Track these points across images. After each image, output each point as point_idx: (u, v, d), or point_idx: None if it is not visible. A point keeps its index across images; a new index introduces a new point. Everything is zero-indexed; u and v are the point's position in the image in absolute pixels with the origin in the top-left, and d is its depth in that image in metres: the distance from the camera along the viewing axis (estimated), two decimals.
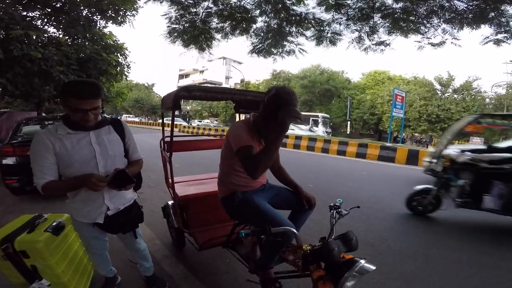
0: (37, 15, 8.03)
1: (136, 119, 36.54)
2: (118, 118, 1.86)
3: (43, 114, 8.88)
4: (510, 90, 24.38)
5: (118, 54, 9.92)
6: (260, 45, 6.01)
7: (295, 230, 1.43)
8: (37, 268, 1.67)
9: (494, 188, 3.84)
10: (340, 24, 5.30)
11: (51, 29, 8.41)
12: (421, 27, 4.89)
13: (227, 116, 38.36)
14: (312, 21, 5.28)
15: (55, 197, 3.49)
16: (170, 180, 2.50)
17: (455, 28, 4.60)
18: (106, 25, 9.12)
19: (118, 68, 9.85)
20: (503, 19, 4.35)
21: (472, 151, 4.22)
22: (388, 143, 14.47)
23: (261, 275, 1.77)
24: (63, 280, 1.76)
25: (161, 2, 4.69)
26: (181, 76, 55.68)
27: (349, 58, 77.60)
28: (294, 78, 34.37)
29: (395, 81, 30.22)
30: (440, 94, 26.02)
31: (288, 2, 4.94)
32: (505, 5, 4.21)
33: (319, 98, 31.49)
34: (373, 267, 1.22)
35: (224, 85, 46.68)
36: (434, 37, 4.93)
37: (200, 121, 34.88)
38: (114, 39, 10.01)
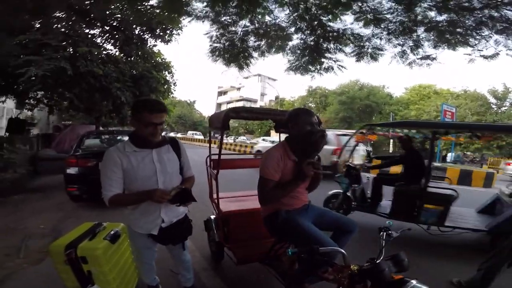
0: (97, 33, 9.01)
1: (201, 137, 32.13)
2: (176, 136, 2.02)
3: (101, 128, 9.84)
4: None
5: (166, 72, 10.68)
6: (297, 63, 5.99)
7: (343, 251, 1.42)
8: (92, 274, 1.79)
9: (384, 194, 4.39)
10: (381, 39, 5.11)
11: (109, 46, 9.36)
12: (470, 39, 4.51)
13: (262, 133, 38.82)
14: (351, 37, 5.17)
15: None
16: (214, 195, 2.61)
17: (509, 39, 4.18)
18: (155, 43, 9.97)
19: (166, 85, 10.59)
20: None
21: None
22: (437, 162, 13.45)
23: None
24: (112, 286, 1.85)
25: (202, 22, 4.98)
26: (220, 93, 57.90)
27: (390, 73, 74.46)
28: (331, 94, 33.71)
29: (443, 95, 28.20)
30: (495, 109, 23.63)
31: (324, 18, 4.93)
32: None
33: (358, 115, 30.33)
34: (426, 287, 1.20)
35: (259, 102, 47.57)
36: (486, 49, 4.51)
37: (237, 137, 34.87)
38: (162, 57, 10.85)
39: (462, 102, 24.45)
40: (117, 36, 8.88)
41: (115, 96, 8.21)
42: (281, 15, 5.00)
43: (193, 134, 35.92)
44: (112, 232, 1.96)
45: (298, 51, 5.80)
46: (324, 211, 1.97)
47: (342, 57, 5.69)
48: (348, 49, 5.53)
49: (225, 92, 56.25)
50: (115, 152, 1.59)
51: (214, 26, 5.22)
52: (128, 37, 8.86)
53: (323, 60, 5.75)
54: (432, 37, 4.74)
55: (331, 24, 5.02)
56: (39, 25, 7.18)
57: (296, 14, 4.87)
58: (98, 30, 8.97)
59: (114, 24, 8.66)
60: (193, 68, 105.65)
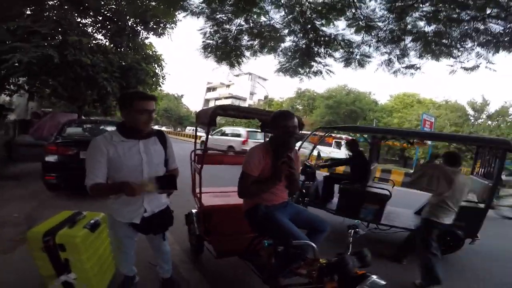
0: (89, 22, 8.84)
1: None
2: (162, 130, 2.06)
3: (83, 117, 9.54)
4: None
5: (156, 65, 10.52)
6: (287, 64, 6.06)
7: (314, 245, 1.53)
8: (69, 262, 1.77)
9: (333, 192, 4.69)
10: (369, 46, 5.27)
11: (99, 36, 9.18)
12: (454, 51, 4.74)
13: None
14: (342, 43, 5.29)
15: (86, 195, 3.77)
16: (197, 190, 2.65)
17: (490, 52, 4.41)
18: (148, 36, 9.83)
19: (154, 78, 10.43)
20: None
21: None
22: (413, 170, 14.01)
23: (272, 284, 1.87)
24: (89, 275, 1.85)
25: (198, 17, 4.95)
26: (209, 89, 57.30)
27: (377, 79, 76.31)
28: (319, 98, 34.00)
29: (425, 104, 29.11)
30: (472, 120, 24.67)
31: (317, 22, 5.02)
32: None
33: (343, 119, 30.81)
34: (384, 282, 1.31)
35: (248, 101, 47.49)
36: (468, 61, 4.76)
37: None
38: (153, 50, 10.67)
39: (443, 112, 25.32)
40: (109, 26, 8.69)
41: (101, 86, 8.02)
42: (276, 16, 5.08)
43: (192, 130, 33.72)
44: (92, 221, 1.95)
45: (290, 53, 5.87)
46: (302, 210, 2.09)
47: (331, 61, 5.84)
48: (337, 54, 5.66)
49: (214, 88, 55.73)
50: (102, 141, 1.60)
51: (209, 23, 5.20)
52: (121, 28, 8.71)
53: (312, 63, 5.85)
54: (418, 46, 4.94)
55: (323, 28, 5.13)
56: (29, 12, 6.95)
57: (291, 16, 4.95)
58: (90, 20, 8.75)
59: (107, 14, 8.48)
60: (183, 62, 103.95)
